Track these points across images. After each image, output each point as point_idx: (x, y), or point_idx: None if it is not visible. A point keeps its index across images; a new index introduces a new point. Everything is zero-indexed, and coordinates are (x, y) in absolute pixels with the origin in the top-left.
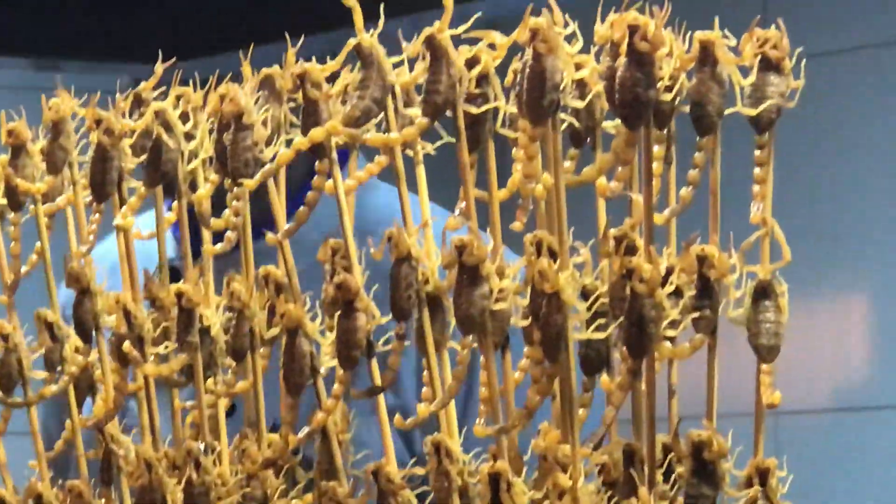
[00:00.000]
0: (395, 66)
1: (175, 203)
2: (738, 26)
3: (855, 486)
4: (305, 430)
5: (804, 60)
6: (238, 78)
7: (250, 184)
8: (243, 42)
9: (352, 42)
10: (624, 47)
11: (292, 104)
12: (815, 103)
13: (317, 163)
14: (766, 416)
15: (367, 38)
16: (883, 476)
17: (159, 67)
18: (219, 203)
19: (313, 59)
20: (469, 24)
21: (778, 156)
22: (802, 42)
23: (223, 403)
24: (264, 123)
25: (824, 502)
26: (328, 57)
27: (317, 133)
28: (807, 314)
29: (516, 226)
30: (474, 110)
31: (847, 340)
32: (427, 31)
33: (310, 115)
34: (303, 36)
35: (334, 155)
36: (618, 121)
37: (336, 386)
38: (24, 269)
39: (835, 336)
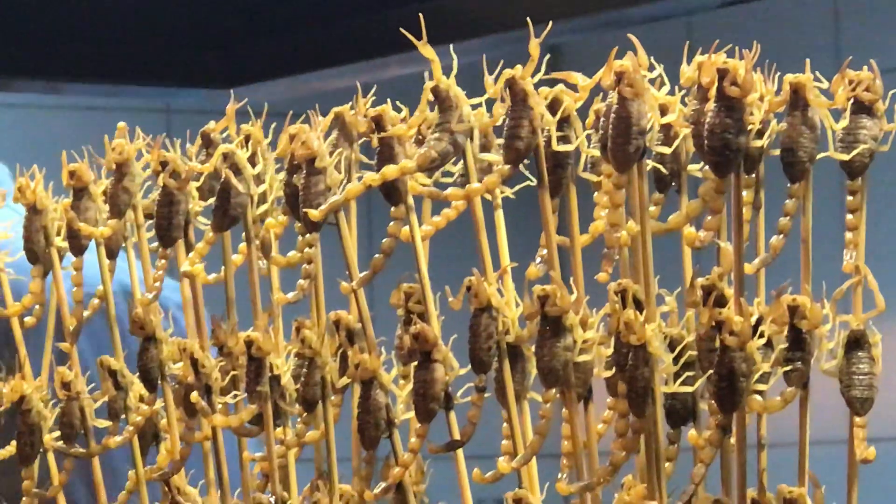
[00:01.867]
0: (474, 106)
1: (243, 245)
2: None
3: None
4: (381, 484)
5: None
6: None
7: (316, 214)
8: (283, 69)
9: (429, 85)
10: (713, 92)
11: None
12: None
13: (392, 209)
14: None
15: (445, 80)
16: None
17: (231, 108)
18: None
19: (361, 93)
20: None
21: (869, 199)
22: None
23: (293, 454)
24: (337, 167)
25: None
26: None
27: (390, 171)
28: (891, 339)
29: (601, 276)
30: (559, 149)
31: None
32: (507, 73)
33: (385, 157)
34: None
35: (411, 201)
36: (705, 165)
37: (413, 440)
38: (85, 313)
39: None
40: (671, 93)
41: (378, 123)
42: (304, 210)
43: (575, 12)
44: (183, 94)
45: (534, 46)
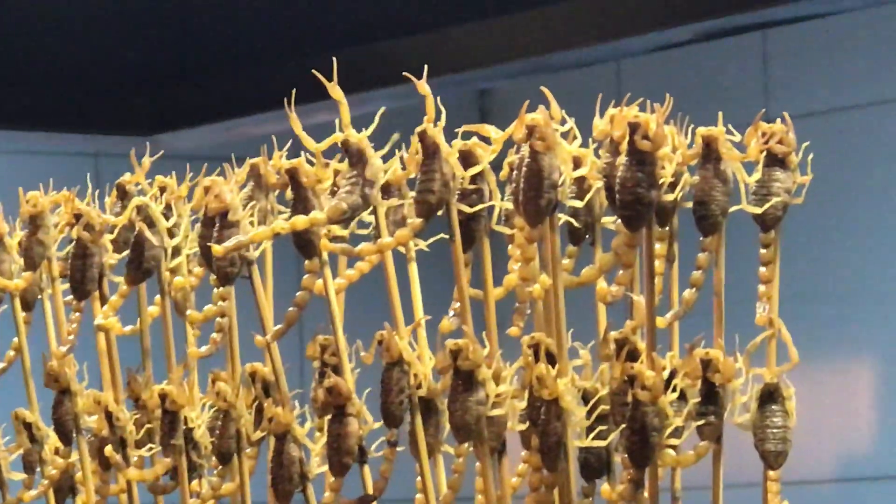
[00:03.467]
0: (385, 157)
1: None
2: (739, 108)
3: None
4: None
5: (811, 155)
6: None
7: (218, 250)
8: (213, 114)
9: (338, 137)
10: (624, 145)
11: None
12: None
13: (306, 262)
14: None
15: (355, 134)
16: None
17: (147, 161)
18: None
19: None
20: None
21: (783, 251)
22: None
23: None
24: (251, 221)
25: None
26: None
27: (299, 221)
28: (811, 388)
29: (513, 330)
30: (468, 210)
31: (851, 413)
32: (420, 127)
33: (299, 210)
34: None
35: (325, 254)
36: (618, 219)
37: (327, 494)
38: (1, 365)
39: (839, 408)
40: (584, 145)
41: (293, 176)
42: (221, 266)
43: (504, 57)
44: (110, 140)
45: (429, 105)
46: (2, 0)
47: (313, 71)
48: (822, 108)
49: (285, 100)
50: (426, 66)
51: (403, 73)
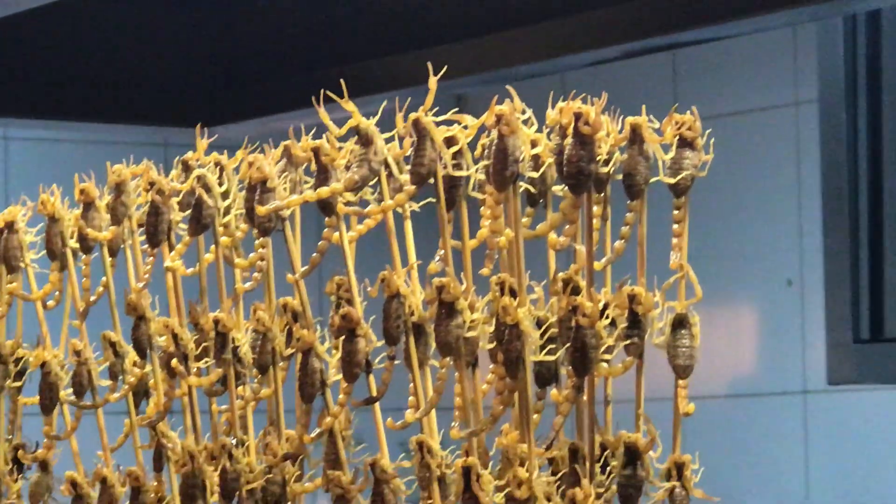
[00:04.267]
0: (387, 140)
1: (213, 247)
2: (651, 101)
3: (749, 463)
4: (317, 430)
5: (712, 140)
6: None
7: (262, 210)
8: (254, 111)
9: (352, 122)
10: (570, 130)
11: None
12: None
13: (326, 219)
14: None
15: (365, 121)
16: (767, 453)
17: (204, 142)
18: None
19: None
20: (447, 115)
21: (696, 203)
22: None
23: (251, 407)
24: (284, 188)
25: (722, 479)
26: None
27: (323, 191)
28: (707, 320)
29: (484, 271)
30: (453, 173)
31: (737, 341)
32: (413, 116)
33: (321, 179)
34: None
35: (341, 213)
36: (565, 187)
37: (341, 396)
38: (92, 298)
39: (728, 338)
40: (539, 131)
41: (317, 153)
42: (261, 221)
43: (475, 69)
44: (175, 131)
45: (428, 100)
46: (88, 12)
47: (342, 80)
48: (719, 112)
49: (313, 98)
50: (415, 75)
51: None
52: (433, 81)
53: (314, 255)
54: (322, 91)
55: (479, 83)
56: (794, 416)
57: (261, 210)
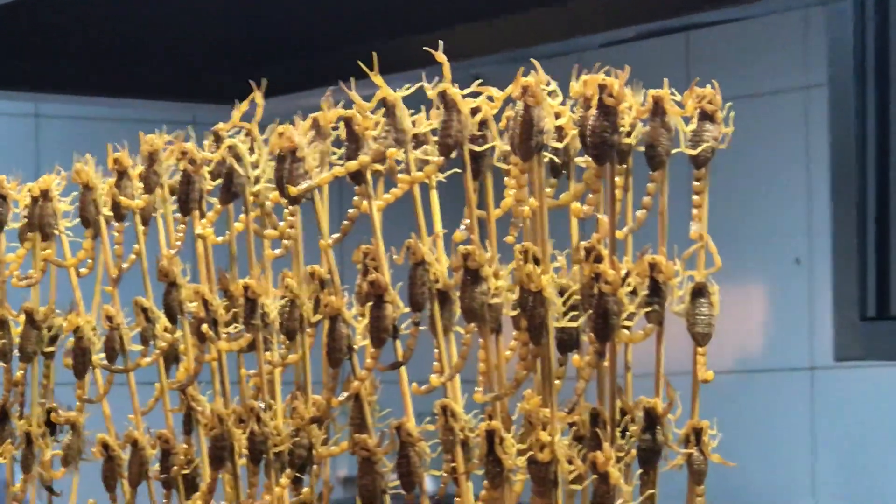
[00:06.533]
0: (414, 113)
1: (242, 216)
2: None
3: (756, 438)
4: (344, 394)
5: (732, 113)
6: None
7: (294, 190)
8: (282, 88)
9: (380, 94)
10: (594, 101)
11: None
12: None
13: (356, 188)
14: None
15: (392, 94)
16: (774, 428)
17: (237, 113)
18: None
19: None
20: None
21: (711, 184)
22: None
23: (278, 371)
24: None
25: (730, 453)
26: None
27: (351, 165)
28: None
29: (509, 239)
30: (477, 149)
31: (747, 318)
32: (441, 86)
33: (352, 149)
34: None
35: (370, 181)
36: (588, 157)
37: (368, 360)
38: (124, 265)
39: (737, 314)
40: (562, 104)
41: (348, 123)
42: (288, 187)
43: (492, 49)
44: (205, 108)
45: (445, 68)
46: None
47: (367, 57)
48: (730, 94)
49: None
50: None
51: (434, 54)
52: (442, 56)
53: (345, 222)
54: (343, 70)
55: (496, 63)
56: (802, 392)
57: (293, 190)
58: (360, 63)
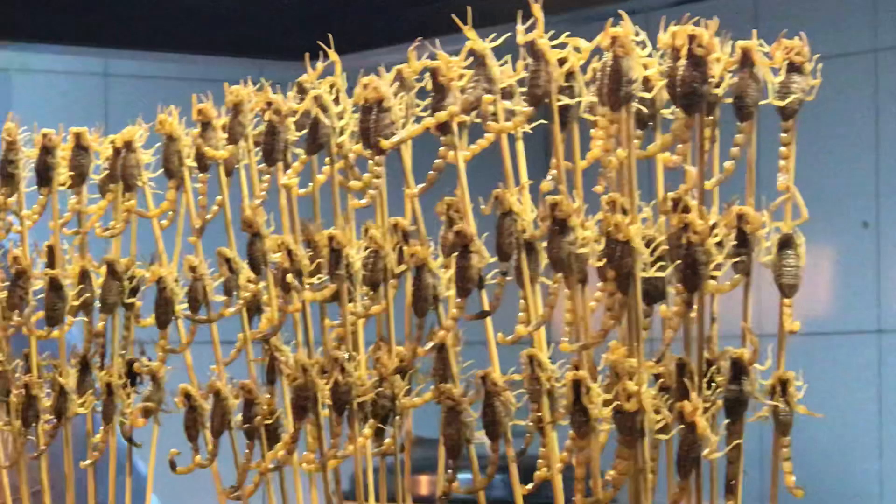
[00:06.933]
0: (501, 64)
1: (326, 167)
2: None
3: (823, 400)
4: (429, 344)
5: (820, 65)
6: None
7: (386, 144)
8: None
9: (468, 45)
10: (684, 52)
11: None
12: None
13: (442, 138)
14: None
15: (481, 44)
16: (842, 389)
17: (319, 66)
18: None
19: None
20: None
21: (798, 136)
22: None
23: (361, 322)
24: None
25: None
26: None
27: (441, 116)
28: None
29: (598, 188)
30: (565, 100)
31: (817, 282)
32: (529, 36)
33: (438, 100)
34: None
35: (456, 131)
36: (674, 108)
37: (453, 310)
38: (208, 216)
39: (808, 277)
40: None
41: (434, 74)
42: (376, 139)
43: (564, 8)
44: (270, 67)
45: (539, 23)
46: None
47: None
48: None
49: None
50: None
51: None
52: (537, 7)
53: (431, 172)
54: (408, 29)
55: (568, 23)
56: (869, 355)
57: (386, 144)
58: (454, 17)
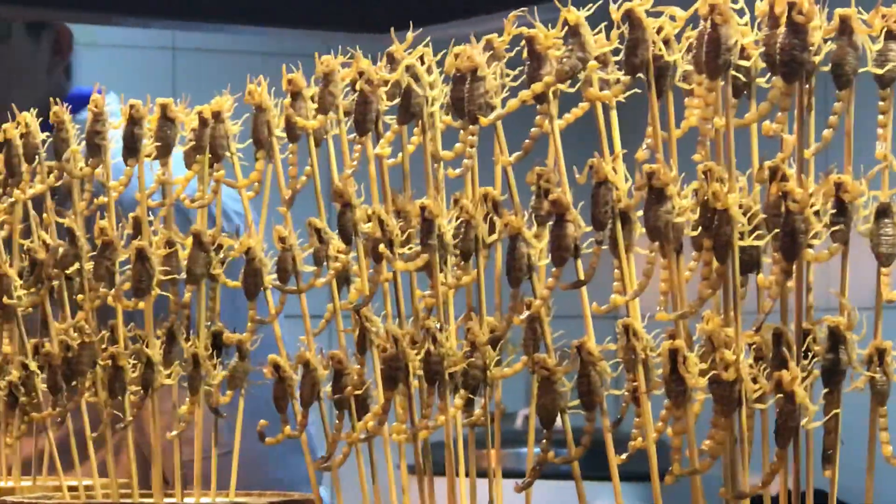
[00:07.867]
0: (596, 34)
1: (415, 137)
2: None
3: None
4: (525, 312)
5: None
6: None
7: (484, 121)
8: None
9: (564, 14)
10: (783, 19)
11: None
12: None
13: (538, 107)
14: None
15: (575, 13)
16: None
17: (409, 36)
18: None
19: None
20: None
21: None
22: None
23: (451, 293)
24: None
25: None
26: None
27: (537, 87)
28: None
29: (696, 157)
30: (664, 65)
31: None
32: (626, 5)
33: (534, 69)
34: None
35: (552, 99)
36: (774, 76)
37: (550, 280)
38: (298, 186)
39: None
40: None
41: (530, 43)
42: (472, 110)
43: None
44: (342, 36)
45: None
46: None
47: None
48: None
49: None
50: None
51: None
52: None
53: (526, 141)
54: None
55: None
56: None
57: (484, 121)
58: None
